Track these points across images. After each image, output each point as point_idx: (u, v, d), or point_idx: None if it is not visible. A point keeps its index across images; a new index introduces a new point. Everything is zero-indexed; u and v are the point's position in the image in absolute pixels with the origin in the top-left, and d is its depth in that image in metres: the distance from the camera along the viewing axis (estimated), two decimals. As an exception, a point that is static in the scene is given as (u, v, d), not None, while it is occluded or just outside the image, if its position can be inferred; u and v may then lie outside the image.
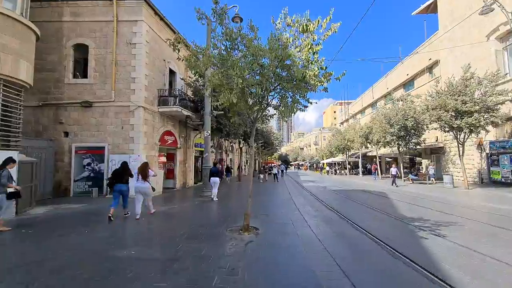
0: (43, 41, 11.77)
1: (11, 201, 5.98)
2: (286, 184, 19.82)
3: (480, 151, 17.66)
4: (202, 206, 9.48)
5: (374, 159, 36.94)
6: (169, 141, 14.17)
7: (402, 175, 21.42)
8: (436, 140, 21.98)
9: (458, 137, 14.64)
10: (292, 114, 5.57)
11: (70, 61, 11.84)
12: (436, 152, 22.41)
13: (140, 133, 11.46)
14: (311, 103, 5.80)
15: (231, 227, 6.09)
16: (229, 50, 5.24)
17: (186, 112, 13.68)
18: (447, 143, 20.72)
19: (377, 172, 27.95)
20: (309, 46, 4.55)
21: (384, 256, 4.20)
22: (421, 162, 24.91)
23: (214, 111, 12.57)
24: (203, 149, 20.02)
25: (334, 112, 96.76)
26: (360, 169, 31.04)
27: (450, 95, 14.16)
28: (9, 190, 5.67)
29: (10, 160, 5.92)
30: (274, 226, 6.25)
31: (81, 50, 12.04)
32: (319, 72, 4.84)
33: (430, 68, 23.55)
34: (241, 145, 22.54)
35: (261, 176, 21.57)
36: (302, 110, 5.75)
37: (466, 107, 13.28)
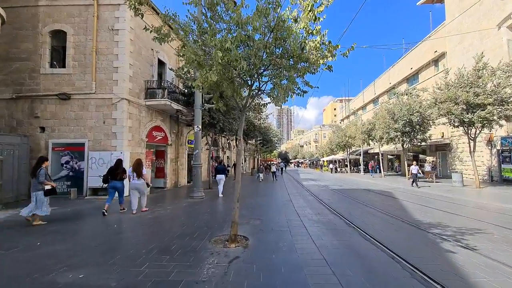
0: (16, 27, 10.75)
1: (47, 198, 6.11)
2: (285, 183, 18.84)
3: (490, 147, 16.69)
4: (190, 208, 8.50)
5: (376, 156, 36.04)
6: (159, 137, 13.15)
7: (406, 173, 20.43)
8: (442, 136, 20.99)
9: (469, 132, 13.63)
10: (288, 99, 4.55)
11: (46, 49, 10.78)
12: (442, 149, 21.42)
13: (124, 128, 10.45)
14: (311, 86, 4.78)
15: (216, 237, 5.11)
16: (210, 19, 4.22)
17: (176, 106, 12.66)
18: (454, 139, 19.74)
19: (374, 170, 27.36)
20: (309, 8, 3.51)
21: (414, 285, 3.21)
22: (425, 160, 23.92)
23: (205, 104, 11.54)
24: (191, 146, 19.12)
25: (334, 109, 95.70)
26: (362, 167, 30.04)
27: (461, 87, 13.13)
28: (46, 187, 5.94)
29: (44, 159, 6.23)
30: (268, 236, 5.26)
31: (59, 37, 10.98)
32: (321, 44, 3.82)
33: (435, 61, 22.47)
34: (237, 142, 21.58)
35: (260, 175, 19.95)
36: (300, 95, 4.74)
37: (479, 99, 12.27)
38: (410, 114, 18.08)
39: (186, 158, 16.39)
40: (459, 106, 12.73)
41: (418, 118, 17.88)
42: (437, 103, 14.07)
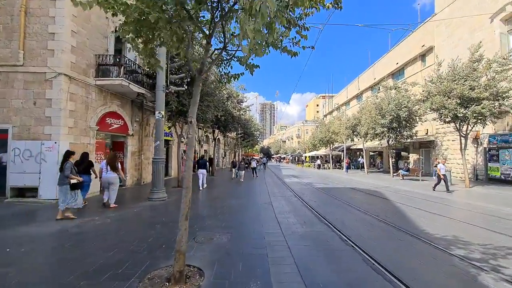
0: None
1: (75, 192, 6.04)
2: (266, 180, 17.31)
3: (476, 145, 16.22)
4: (141, 215, 6.61)
5: (358, 152, 35.72)
6: (115, 126, 10.95)
7: (391, 169, 19.74)
8: (427, 133, 20.47)
9: (461, 129, 12.81)
10: (267, 52, 2.85)
11: (-46, 4, 8.17)
12: (426, 146, 20.96)
13: (62, 112, 8.20)
14: (305, 37, 3.10)
15: (155, 271, 3.35)
16: None
17: (137, 88, 10.51)
18: (438, 136, 19.25)
19: (349, 166, 27.06)
20: None
21: None
22: (409, 157, 23.52)
23: (172, 86, 9.54)
24: (170, 138, 16.93)
25: (317, 105, 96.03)
26: (345, 163, 29.26)
27: (455, 80, 12.20)
28: (72, 181, 5.92)
29: (71, 153, 6.19)
30: (235, 266, 3.58)
31: (-27, -10, 8.37)
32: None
33: (423, 56, 21.84)
34: (216, 135, 19.57)
35: (241, 173, 16.04)
36: (290, 54, 3.06)
37: (475, 93, 11.37)
38: (398, 109, 17.20)
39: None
40: (453, 100, 11.79)
41: (406, 114, 17.05)
42: (429, 96, 13.09)
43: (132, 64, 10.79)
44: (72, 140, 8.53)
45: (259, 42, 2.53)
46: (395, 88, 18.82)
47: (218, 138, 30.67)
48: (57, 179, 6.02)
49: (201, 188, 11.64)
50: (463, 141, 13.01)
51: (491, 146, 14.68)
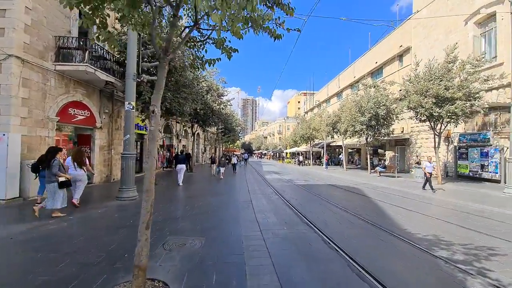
0: None
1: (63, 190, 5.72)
2: (247, 177, 16.92)
3: (447, 143, 17.01)
4: (105, 218, 5.92)
5: (337, 149, 36.50)
6: (80, 117, 9.91)
7: (369, 166, 20.24)
8: (402, 131, 21.20)
9: (435, 127, 13.25)
10: (247, 30, 2.39)
11: None
12: (401, 144, 21.73)
13: (12, 100, 7.15)
14: (291, 13, 2.68)
15: (113, 286, 2.81)
16: None
17: (105, 76, 9.54)
18: (413, 135, 19.99)
19: (328, 163, 27.71)
20: None
21: None
22: (385, 154, 24.33)
23: (144, 75, 8.74)
24: (145, 132, 15.87)
25: (298, 102, 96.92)
26: (325, 160, 29.68)
27: (431, 80, 12.54)
28: (60, 179, 5.64)
29: (58, 149, 5.96)
30: (208, 275, 3.14)
31: None
32: None
33: (400, 56, 22.46)
34: (194, 129, 18.75)
35: (221, 170, 14.68)
36: (271, 36, 2.62)
37: (449, 93, 11.74)
38: (377, 108, 17.54)
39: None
40: (429, 99, 12.10)
41: (384, 112, 17.44)
42: (407, 95, 13.36)
43: (100, 49, 9.76)
44: (26, 132, 7.50)
45: (235, 14, 2.06)
46: (374, 87, 19.16)
47: (198, 133, 29.70)
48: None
49: (180, 183, 11.29)
50: (436, 139, 13.46)
51: (461, 144, 15.42)
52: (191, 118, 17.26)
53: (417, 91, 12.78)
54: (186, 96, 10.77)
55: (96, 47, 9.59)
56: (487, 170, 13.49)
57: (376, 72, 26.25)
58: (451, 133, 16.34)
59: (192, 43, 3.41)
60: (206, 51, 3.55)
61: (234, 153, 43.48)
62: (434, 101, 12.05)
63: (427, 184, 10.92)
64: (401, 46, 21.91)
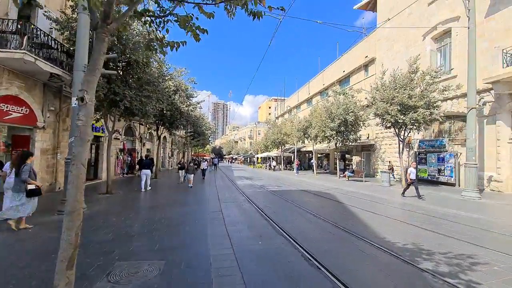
0: None
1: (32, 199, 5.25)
2: (217, 183, 16.04)
3: (408, 149, 18.10)
4: (36, 238, 4.73)
5: (307, 154, 37.26)
6: (15, 115, 8.29)
7: (338, 171, 20.71)
8: (368, 137, 22.20)
9: (399, 134, 13.90)
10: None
11: None
12: (367, 149, 22.74)
13: None
14: None
15: None
16: None
17: (49, 67, 8.11)
18: (378, 141, 21.01)
19: (299, 168, 28.14)
20: None
21: None
22: (352, 159, 25.26)
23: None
24: (101, 134, 14.14)
25: (269, 107, 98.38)
26: (295, 165, 29.91)
27: (395, 89, 13.16)
28: (29, 187, 5.16)
29: (29, 154, 5.54)
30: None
31: None
32: None
33: (366, 66, 23.69)
34: (160, 132, 17.35)
35: (190, 177, 12.86)
36: (252, 16, 2.05)
37: (412, 101, 12.39)
38: (346, 114, 18.05)
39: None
40: (395, 107, 12.64)
41: (352, 118, 18.00)
42: (374, 102, 13.86)
43: (44, 36, 8.31)
44: None
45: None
46: (344, 94, 19.79)
47: (165, 136, 27.91)
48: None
49: (143, 189, 10.85)
50: (401, 145, 14.11)
51: (420, 150, 16.47)
52: (156, 120, 15.92)
53: (384, 99, 13.31)
54: (149, 95, 9.70)
55: (40, 33, 8.14)
56: (443, 174, 14.49)
57: (344, 80, 27.37)
58: (412, 140, 17.41)
59: (149, 18, 2.68)
60: (167, 31, 2.85)
61: (204, 157, 41.98)
62: (399, 108, 12.61)
63: (408, 191, 10.38)
64: (366, 56, 23.12)
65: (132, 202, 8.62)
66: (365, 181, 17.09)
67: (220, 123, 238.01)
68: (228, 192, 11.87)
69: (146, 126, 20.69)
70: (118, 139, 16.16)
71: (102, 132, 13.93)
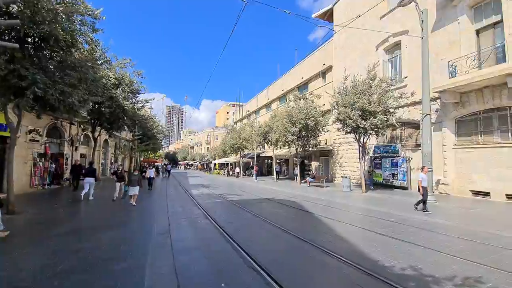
0: None
1: None
2: (168, 192, 13.89)
3: (364, 154, 18.75)
4: None
5: (266, 160, 36.84)
6: None
7: (299, 177, 20.37)
8: (326, 143, 22.56)
9: (359, 139, 14.01)
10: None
11: None
12: (325, 155, 23.08)
13: None
14: None
15: None
16: None
17: None
18: (335, 146, 21.45)
19: (258, 174, 27.57)
20: None
21: None
22: (310, 164, 25.46)
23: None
24: (5, 133, 10.75)
25: (227, 113, 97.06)
26: (254, 171, 28.96)
27: (355, 94, 13.25)
28: None
29: None
30: None
31: None
32: None
33: (323, 73, 24.30)
34: (98, 134, 14.39)
35: (135, 190, 9.49)
36: None
37: (372, 107, 12.54)
38: (307, 119, 17.85)
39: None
40: (356, 112, 12.63)
41: (313, 123, 17.87)
42: (337, 106, 13.73)
43: None
44: None
45: None
46: (304, 99, 19.68)
47: (106, 139, 24.07)
48: None
49: (83, 199, 10.00)
50: (361, 150, 14.23)
51: (375, 155, 17.09)
52: (91, 119, 13.11)
53: (345, 103, 13.25)
54: (74, 83, 7.41)
55: None
56: (397, 178, 15.12)
57: (303, 86, 27.74)
58: (367, 145, 18.03)
59: None
60: None
61: (155, 163, 38.07)
62: (360, 113, 12.63)
63: (422, 204, 8.41)
64: (324, 64, 23.74)
65: (43, 226, 6.24)
66: (326, 187, 16.95)
67: (175, 127, 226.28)
68: (181, 204, 10.03)
69: (79, 126, 17.26)
70: (37, 141, 12.79)
71: (7, 131, 10.65)
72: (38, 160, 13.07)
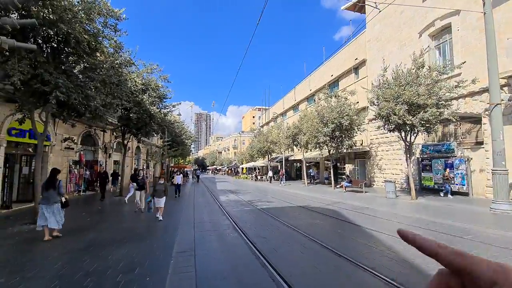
0: None
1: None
2: (196, 199, 13.40)
3: (408, 155, 16.60)
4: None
5: (295, 163, 35.38)
6: None
7: (333, 181, 18.74)
8: (362, 144, 20.61)
9: (406, 137, 12.21)
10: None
11: None
12: (361, 157, 21.11)
13: None
14: None
15: None
16: None
17: None
18: (373, 147, 19.46)
19: (283, 178, 26.14)
20: None
21: None
22: (344, 167, 23.57)
23: (3, 37, 5.00)
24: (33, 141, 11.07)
25: (253, 117, 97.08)
26: (281, 175, 27.67)
27: (400, 86, 11.55)
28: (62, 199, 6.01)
29: (58, 171, 6.20)
30: None
31: None
32: None
33: (356, 68, 22.49)
34: (128, 140, 14.50)
35: (160, 202, 7.87)
36: None
37: (421, 99, 10.78)
38: (341, 117, 16.33)
39: (2, 161, 8.59)
40: (402, 106, 10.96)
41: (348, 122, 16.29)
42: (378, 101, 12.13)
43: None
44: None
45: None
46: (335, 96, 18.18)
47: (138, 147, 24.77)
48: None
49: (127, 202, 10.60)
50: (407, 150, 12.40)
51: (423, 156, 14.94)
52: (121, 125, 13.17)
53: (387, 97, 11.62)
54: (97, 86, 7.11)
55: None
56: (453, 182, 12.90)
57: (333, 84, 26.05)
58: (413, 144, 15.92)
59: None
60: None
61: (185, 169, 38.70)
62: (406, 108, 10.94)
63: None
64: (356, 59, 21.94)
65: (61, 240, 5.84)
66: (366, 192, 15.19)
67: (203, 133, 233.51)
68: (208, 213, 9.32)
69: (112, 133, 17.75)
70: (72, 148, 13.16)
71: (46, 140, 10.96)
72: (73, 168, 13.43)
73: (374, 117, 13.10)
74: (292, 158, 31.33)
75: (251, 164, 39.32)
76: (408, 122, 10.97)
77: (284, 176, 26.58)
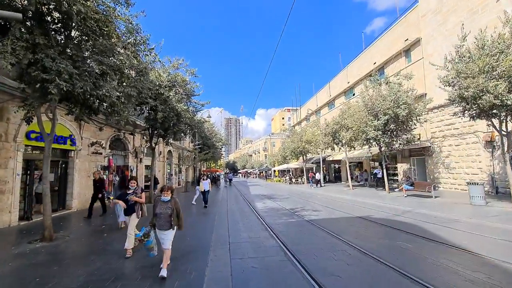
0: None
1: None
2: (229, 207, 11.79)
3: (490, 149, 13.14)
4: None
5: (333, 164, 32.33)
6: None
7: (387, 184, 15.78)
8: (419, 138, 17.25)
9: (500, 125, 9.20)
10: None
11: None
12: (419, 154, 17.73)
13: None
14: None
15: None
16: None
17: None
18: (436, 141, 16.09)
19: (313, 181, 23.45)
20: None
21: None
22: (396, 167, 20.25)
23: None
24: (69, 147, 10.38)
25: (283, 118, 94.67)
26: (321, 176, 25.04)
27: (492, 56, 8.66)
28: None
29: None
30: None
31: None
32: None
33: (406, 51, 19.24)
34: (155, 142, 13.55)
35: (165, 239, 4.03)
36: None
37: (526, 71, 7.82)
38: (397, 107, 13.52)
39: (21, 168, 7.83)
40: (501, 81, 8.08)
41: (406, 112, 13.41)
42: (458, 79, 9.31)
43: None
44: None
45: None
46: (387, 83, 15.35)
47: (170, 151, 24.30)
48: None
49: (194, 202, 11.30)
50: (505, 141, 9.35)
51: (516, 150, 11.48)
52: (149, 127, 12.18)
53: (474, 73, 8.77)
54: (104, 71, 5.79)
55: None
56: None
57: (377, 73, 22.84)
58: (495, 136, 12.51)
59: None
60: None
61: (216, 173, 37.98)
62: (507, 84, 8.05)
63: None
64: (406, 39, 18.73)
65: (63, 267, 4.50)
66: (436, 197, 12.16)
67: (233, 138, 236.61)
68: (245, 225, 7.55)
69: (142, 137, 17.14)
70: (100, 153, 12.50)
71: (71, 144, 10.28)
72: (102, 173, 12.76)
73: (449, 101, 10.21)
74: (330, 158, 28.45)
75: (284, 166, 37.10)
76: (509, 103, 8.06)
77: (311, 178, 24.29)
